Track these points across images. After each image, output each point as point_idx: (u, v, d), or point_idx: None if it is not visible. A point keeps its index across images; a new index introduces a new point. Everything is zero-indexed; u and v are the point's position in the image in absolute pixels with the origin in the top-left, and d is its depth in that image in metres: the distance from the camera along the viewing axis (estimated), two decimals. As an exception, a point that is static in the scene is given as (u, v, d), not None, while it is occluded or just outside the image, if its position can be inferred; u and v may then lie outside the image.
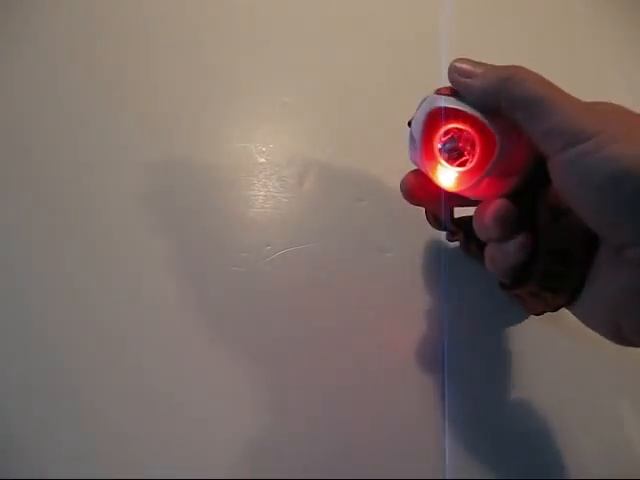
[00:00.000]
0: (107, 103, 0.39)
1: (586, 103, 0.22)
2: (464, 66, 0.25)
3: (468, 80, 0.24)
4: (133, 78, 0.40)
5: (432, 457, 0.31)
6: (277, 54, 0.41)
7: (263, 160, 0.38)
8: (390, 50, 0.41)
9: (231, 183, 0.37)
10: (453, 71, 0.25)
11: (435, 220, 0.32)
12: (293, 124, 0.39)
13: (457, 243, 0.34)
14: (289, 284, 0.34)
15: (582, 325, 0.25)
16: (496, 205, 0.24)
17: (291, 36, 0.42)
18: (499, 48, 0.35)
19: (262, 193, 0.37)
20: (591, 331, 0.24)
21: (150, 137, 0.38)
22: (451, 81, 0.25)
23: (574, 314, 0.25)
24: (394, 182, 0.34)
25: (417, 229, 0.34)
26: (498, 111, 0.23)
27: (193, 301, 0.33)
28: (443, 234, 0.35)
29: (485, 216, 0.25)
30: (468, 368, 0.32)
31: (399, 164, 0.29)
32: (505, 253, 0.25)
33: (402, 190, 0.29)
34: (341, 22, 0.43)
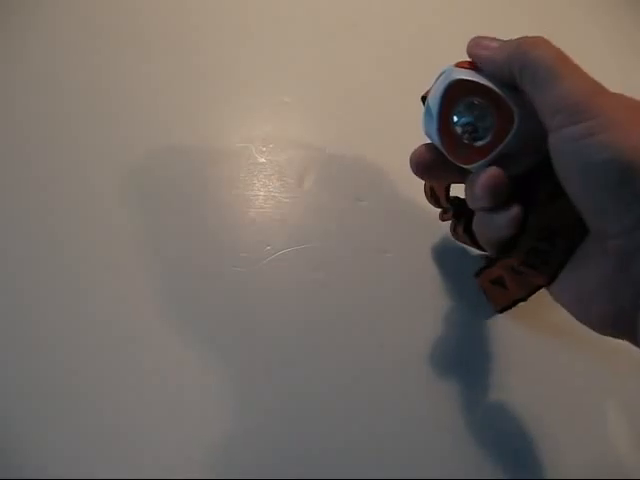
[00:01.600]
0: (107, 103, 0.39)
1: (593, 80, 0.22)
2: (484, 40, 0.24)
3: (487, 51, 0.24)
4: (133, 78, 0.40)
5: (433, 457, 0.31)
6: (277, 54, 0.41)
7: (263, 160, 0.38)
8: (390, 50, 0.41)
9: (231, 183, 0.37)
10: (473, 44, 0.25)
11: (433, 195, 0.32)
12: (293, 124, 0.39)
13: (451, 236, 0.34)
14: (289, 284, 0.34)
15: (565, 323, 0.25)
16: (487, 174, 0.24)
17: (291, 36, 0.42)
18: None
19: (262, 193, 0.37)
20: (573, 329, 0.25)
21: (150, 137, 0.38)
22: (470, 54, 0.25)
23: (552, 295, 0.25)
24: (394, 182, 0.34)
25: (417, 229, 0.34)
26: (516, 85, 0.23)
27: (193, 301, 0.33)
28: (443, 235, 0.35)
29: (476, 184, 0.24)
30: (467, 369, 0.33)
31: (399, 164, 0.28)
32: (494, 224, 0.25)
33: (412, 162, 0.28)
34: (341, 22, 0.43)
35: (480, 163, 0.25)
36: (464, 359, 0.33)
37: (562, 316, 0.25)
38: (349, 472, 0.30)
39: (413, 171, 0.28)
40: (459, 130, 0.25)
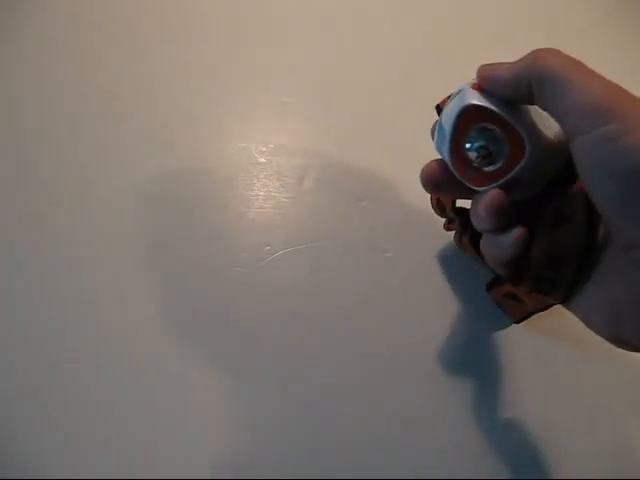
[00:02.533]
0: (107, 103, 0.39)
1: (613, 83, 0.21)
2: (492, 64, 0.24)
3: (497, 72, 0.24)
4: (133, 78, 0.40)
5: (429, 456, 0.31)
6: (277, 54, 0.41)
7: (263, 160, 0.38)
8: (391, 50, 0.41)
9: (231, 183, 0.37)
10: (482, 68, 0.24)
11: (439, 206, 0.32)
12: (293, 124, 0.39)
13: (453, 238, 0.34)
14: (289, 284, 0.34)
15: (574, 331, 0.25)
16: (490, 196, 0.24)
17: (291, 36, 0.42)
18: (499, 47, 0.35)
19: (262, 193, 0.37)
20: (583, 334, 0.24)
21: (150, 137, 0.38)
22: (481, 80, 0.25)
23: (572, 312, 0.25)
24: (394, 182, 0.34)
25: (417, 229, 0.34)
26: (532, 101, 0.23)
27: (193, 301, 0.33)
28: (443, 235, 0.35)
29: (479, 206, 0.24)
30: (463, 369, 0.33)
31: (399, 164, 0.28)
32: (499, 245, 0.25)
33: (422, 179, 0.27)
34: (341, 22, 0.43)
35: (489, 187, 0.25)
36: (463, 360, 0.33)
37: (571, 320, 0.25)
38: (351, 472, 0.30)
39: (423, 186, 0.28)
40: (471, 154, 0.25)
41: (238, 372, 0.32)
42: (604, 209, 0.21)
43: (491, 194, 0.24)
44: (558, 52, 0.22)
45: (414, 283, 0.34)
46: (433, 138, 0.27)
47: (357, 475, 0.30)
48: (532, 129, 0.23)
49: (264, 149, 0.38)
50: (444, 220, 0.34)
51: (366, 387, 0.32)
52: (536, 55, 0.23)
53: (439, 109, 0.27)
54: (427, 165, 0.27)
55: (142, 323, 0.33)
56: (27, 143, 0.37)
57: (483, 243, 0.26)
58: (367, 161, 0.37)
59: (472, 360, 0.33)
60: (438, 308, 0.34)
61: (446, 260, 0.35)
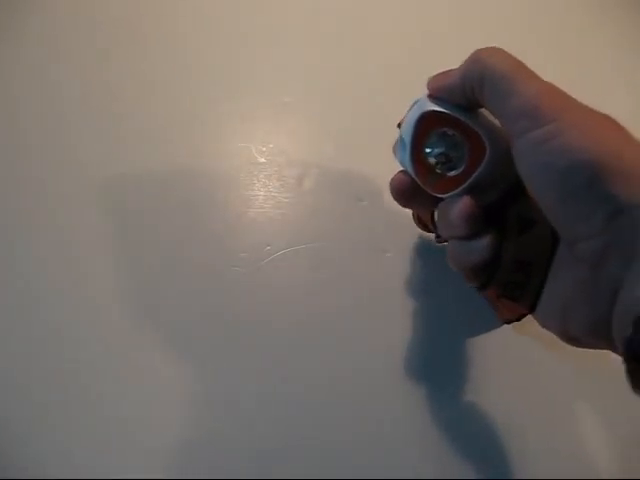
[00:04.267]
0: (107, 103, 0.39)
1: (551, 85, 0.22)
2: (440, 73, 0.25)
3: (445, 80, 0.24)
4: (133, 78, 0.40)
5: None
6: (277, 54, 0.41)
7: (263, 160, 0.38)
8: (392, 50, 0.41)
9: (231, 183, 0.37)
10: (430, 81, 0.25)
11: (420, 222, 0.32)
12: (293, 124, 0.39)
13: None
14: (289, 284, 0.34)
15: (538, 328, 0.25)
16: (463, 203, 0.24)
17: (291, 36, 0.42)
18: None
19: (262, 193, 0.37)
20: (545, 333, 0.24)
21: (150, 137, 0.38)
22: (431, 91, 0.25)
23: (538, 321, 0.25)
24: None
25: (417, 229, 0.34)
26: (481, 104, 0.23)
27: (193, 301, 0.33)
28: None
29: (451, 214, 0.24)
30: (463, 368, 0.33)
31: (399, 164, 0.28)
32: (469, 251, 0.25)
33: (391, 190, 0.28)
34: (341, 22, 0.43)
35: (454, 193, 0.25)
36: (463, 359, 0.33)
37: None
38: (351, 472, 0.30)
39: (394, 198, 0.28)
40: (432, 161, 0.25)
41: (238, 372, 0.32)
42: (546, 208, 0.22)
43: (463, 201, 0.24)
44: (498, 52, 0.23)
45: (414, 283, 0.34)
46: (395, 155, 0.27)
47: (357, 475, 0.30)
48: (490, 131, 0.24)
49: (264, 149, 0.38)
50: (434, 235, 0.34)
51: (366, 387, 0.32)
52: (476, 57, 0.23)
53: (400, 126, 0.27)
54: (394, 177, 0.28)
55: (142, 323, 0.33)
56: (27, 143, 0.37)
57: (452, 250, 0.26)
58: (367, 161, 0.37)
59: (472, 360, 0.33)
60: (438, 308, 0.34)
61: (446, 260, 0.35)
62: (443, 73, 0.25)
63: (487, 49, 0.23)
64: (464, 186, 0.25)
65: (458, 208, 0.24)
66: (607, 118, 0.21)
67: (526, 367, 0.33)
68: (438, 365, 0.33)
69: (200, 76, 0.40)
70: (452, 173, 0.25)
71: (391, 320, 0.34)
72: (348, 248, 0.35)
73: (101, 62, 0.40)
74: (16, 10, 0.42)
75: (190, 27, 0.42)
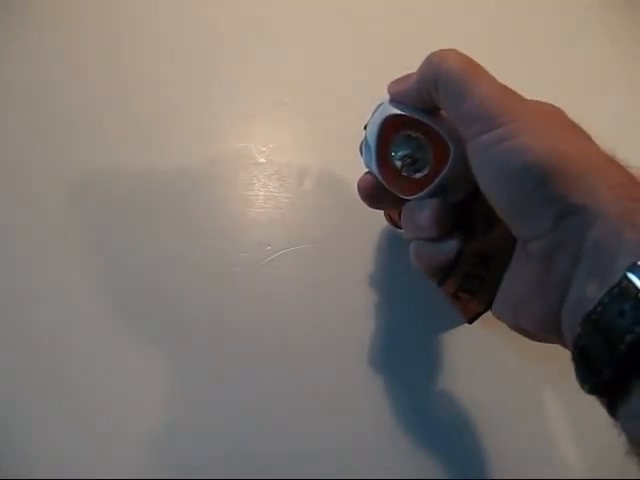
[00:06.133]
0: (107, 103, 0.39)
1: (504, 86, 0.22)
2: (399, 78, 0.25)
3: (402, 85, 0.24)
4: (133, 78, 0.40)
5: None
6: (277, 54, 0.41)
7: (263, 160, 0.38)
8: (391, 49, 0.41)
9: (231, 183, 0.37)
10: (390, 86, 0.25)
11: (392, 220, 0.32)
12: (293, 124, 0.39)
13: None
14: (289, 284, 0.34)
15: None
16: (433, 206, 0.24)
17: (291, 36, 0.42)
18: (495, 47, 0.35)
19: (262, 193, 0.37)
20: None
21: (150, 137, 0.38)
22: (392, 96, 0.25)
23: (493, 313, 0.25)
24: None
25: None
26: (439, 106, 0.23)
27: (193, 301, 0.33)
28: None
29: (420, 216, 0.25)
30: (463, 368, 0.33)
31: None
32: (436, 252, 0.25)
33: (359, 191, 0.28)
34: (341, 22, 0.43)
35: (420, 195, 0.25)
36: (462, 359, 0.33)
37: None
38: (351, 472, 0.30)
39: (361, 199, 0.28)
40: (398, 163, 0.25)
41: (237, 372, 0.32)
42: (499, 209, 0.22)
43: (433, 203, 0.24)
44: (450, 54, 0.23)
45: (414, 283, 0.34)
46: (362, 154, 0.27)
47: (356, 475, 0.30)
48: (453, 132, 0.24)
49: (264, 149, 0.38)
50: None
51: (367, 386, 0.32)
52: (429, 60, 0.23)
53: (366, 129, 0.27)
54: (361, 178, 0.28)
55: (142, 323, 0.33)
56: (27, 143, 0.37)
57: (418, 251, 0.26)
58: (367, 161, 0.37)
59: (470, 360, 0.33)
60: (438, 308, 0.34)
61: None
62: (403, 77, 0.25)
63: (441, 52, 0.23)
64: (430, 188, 0.25)
65: (428, 211, 0.24)
66: (558, 115, 0.21)
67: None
68: (438, 365, 0.33)
69: (200, 76, 0.40)
70: (418, 175, 0.25)
71: (391, 320, 0.34)
72: (348, 248, 0.35)
73: (101, 62, 0.40)
74: (16, 10, 0.42)
75: (190, 27, 0.42)
